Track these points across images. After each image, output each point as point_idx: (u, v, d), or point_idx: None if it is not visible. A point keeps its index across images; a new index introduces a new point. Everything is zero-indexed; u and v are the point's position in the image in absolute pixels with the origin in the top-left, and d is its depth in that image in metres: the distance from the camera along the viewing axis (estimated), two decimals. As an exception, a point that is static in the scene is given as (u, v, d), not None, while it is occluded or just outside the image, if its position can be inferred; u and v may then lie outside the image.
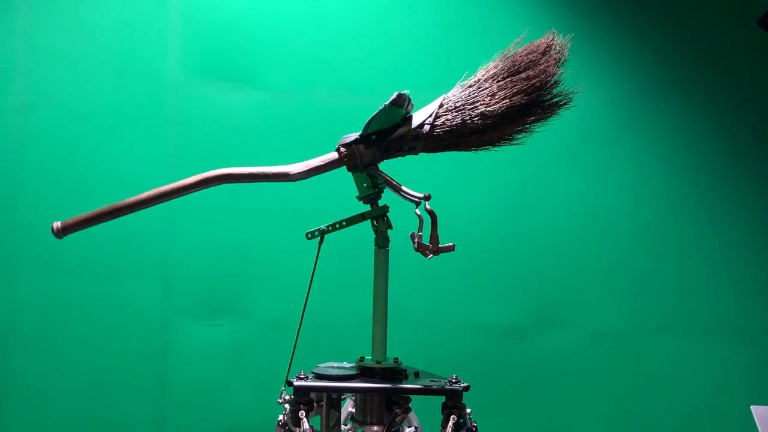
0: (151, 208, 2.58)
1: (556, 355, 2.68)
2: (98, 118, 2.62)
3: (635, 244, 2.71)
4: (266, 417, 2.44)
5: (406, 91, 1.50)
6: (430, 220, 1.46)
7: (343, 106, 2.67)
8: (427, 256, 1.46)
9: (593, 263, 2.70)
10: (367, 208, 1.58)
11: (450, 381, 1.50)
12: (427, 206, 1.47)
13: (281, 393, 1.53)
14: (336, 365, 1.57)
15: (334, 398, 1.56)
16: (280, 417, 1.56)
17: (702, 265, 2.71)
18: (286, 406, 1.52)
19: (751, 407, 1.88)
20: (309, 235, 1.58)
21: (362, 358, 1.58)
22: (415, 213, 1.48)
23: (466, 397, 1.49)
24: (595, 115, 2.73)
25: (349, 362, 1.60)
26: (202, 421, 2.61)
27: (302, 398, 1.48)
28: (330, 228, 1.58)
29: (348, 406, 1.75)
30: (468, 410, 1.51)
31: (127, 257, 2.60)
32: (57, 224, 1.63)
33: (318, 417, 1.56)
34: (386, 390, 1.49)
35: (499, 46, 1.54)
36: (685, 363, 2.68)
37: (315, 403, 1.53)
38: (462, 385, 1.48)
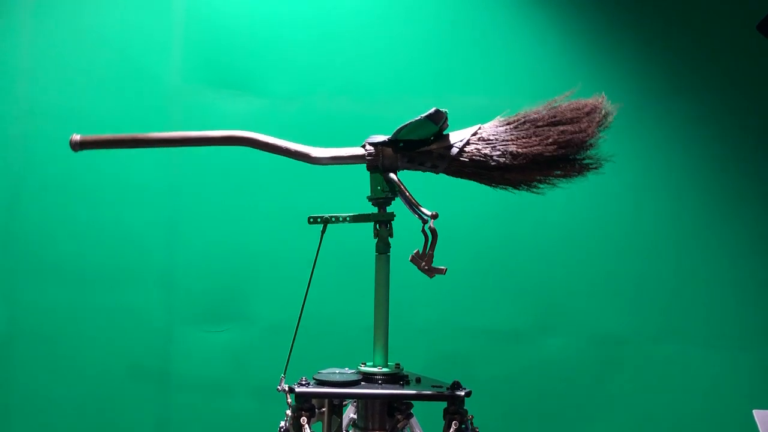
0: (153, 215, 2.61)
1: (557, 359, 2.68)
2: (101, 125, 2.63)
3: (636, 249, 2.71)
4: (269, 422, 2.44)
5: (444, 110, 1.50)
6: (431, 237, 1.47)
7: (343, 113, 2.68)
8: (430, 275, 1.46)
9: (594, 268, 2.70)
10: (375, 210, 1.58)
11: (451, 386, 1.50)
12: (431, 224, 1.47)
13: (281, 381, 1.53)
14: (337, 371, 1.57)
15: (335, 404, 1.56)
16: (282, 423, 1.56)
17: (703, 268, 2.71)
18: (288, 412, 1.52)
19: (754, 411, 1.88)
20: (311, 220, 1.59)
21: (364, 364, 1.58)
22: (422, 231, 1.48)
23: (467, 403, 1.49)
24: (596, 120, 2.73)
25: (350, 368, 1.60)
26: (205, 427, 2.61)
27: (304, 404, 1.48)
28: (333, 219, 1.58)
29: (350, 412, 1.74)
30: (470, 416, 1.51)
31: (129, 264, 2.61)
32: (76, 137, 1.61)
33: (320, 423, 1.56)
34: (388, 396, 1.49)
35: (498, 54, 1.53)
36: (687, 367, 2.68)
37: (317, 410, 1.53)
38: (463, 390, 1.49)
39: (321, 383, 1.50)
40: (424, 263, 1.45)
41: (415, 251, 1.47)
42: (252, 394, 2.61)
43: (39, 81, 2.63)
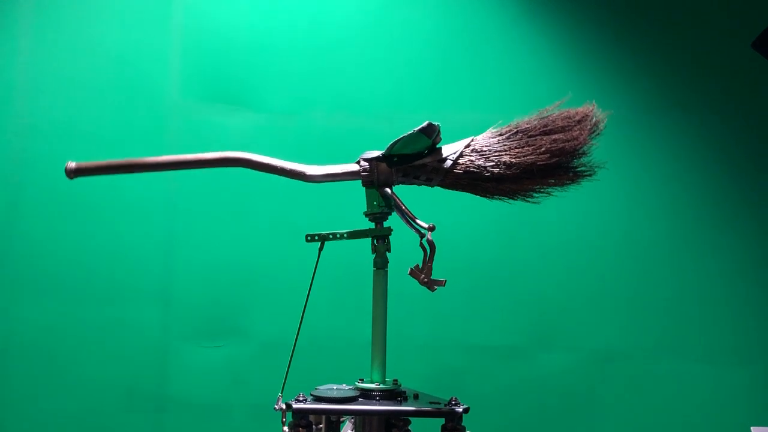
0: (150, 230, 2.61)
1: (555, 375, 2.68)
2: (99, 140, 2.64)
3: (632, 264, 2.71)
4: (265, 439, 2.43)
5: (437, 123, 1.51)
6: (429, 249, 1.47)
7: (341, 128, 2.69)
8: (426, 284, 1.46)
9: (590, 283, 2.70)
10: (372, 226, 1.58)
11: (449, 403, 1.50)
12: (429, 236, 1.47)
13: (278, 399, 1.52)
14: (335, 387, 1.57)
15: (333, 421, 1.56)
16: (279, 439, 1.56)
17: (699, 284, 2.71)
18: (285, 429, 1.51)
19: (752, 429, 1.88)
20: (308, 238, 1.59)
21: (361, 380, 1.58)
22: (420, 246, 1.48)
23: (465, 419, 1.49)
24: (592, 136, 2.74)
25: (348, 384, 1.60)
26: (200, 444, 2.60)
27: (301, 421, 1.48)
28: (331, 236, 1.58)
29: (347, 429, 1.74)
30: (467, 432, 1.51)
31: (127, 279, 2.60)
32: (72, 164, 1.62)
33: (317, 439, 1.55)
34: (385, 412, 1.48)
35: (496, 66, 1.55)
36: (684, 383, 2.67)
37: (314, 426, 1.52)
38: (461, 407, 1.48)
39: (318, 399, 1.49)
40: (423, 276, 1.45)
41: (415, 266, 1.47)
42: (249, 409, 2.60)
43: (38, 96, 2.64)
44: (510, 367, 2.67)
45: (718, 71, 2.78)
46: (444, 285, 1.45)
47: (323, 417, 1.54)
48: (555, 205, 2.72)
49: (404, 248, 1.60)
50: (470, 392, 2.57)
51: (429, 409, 1.47)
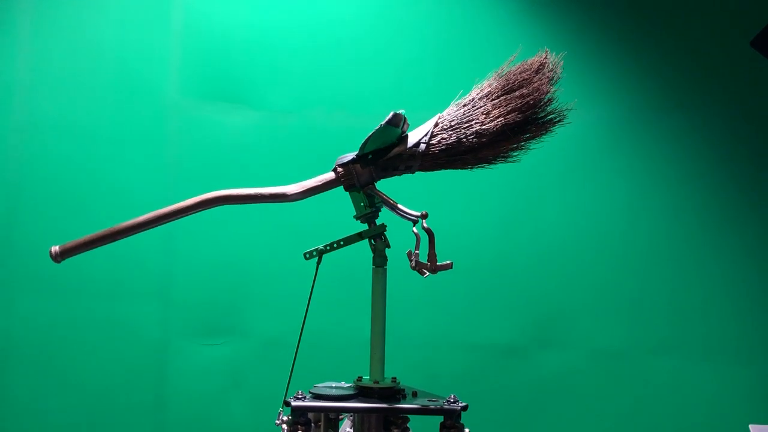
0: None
1: (554, 373, 2.68)
2: (98, 139, 2.64)
3: (632, 263, 2.71)
4: (264, 437, 2.43)
5: (401, 111, 1.52)
6: (427, 238, 1.47)
7: (340, 127, 2.69)
8: (423, 275, 1.47)
9: (591, 281, 2.70)
10: (365, 227, 1.59)
11: (448, 400, 1.50)
12: (425, 224, 1.48)
13: (279, 414, 1.53)
14: (334, 385, 1.57)
15: (331, 418, 1.56)
16: (278, 437, 1.56)
17: (700, 283, 2.71)
18: (284, 426, 1.52)
19: (750, 426, 1.88)
20: (307, 255, 1.59)
21: (360, 378, 1.58)
22: (413, 231, 1.48)
23: (464, 417, 1.49)
24: (590, 133, 2.75)
25: (347, 382, 1.60)
26: (199, 442, 2.60)
27: (300, 418, 1.48)
28: (327, 248, 1.59)
29: (346, 426, 1.74)
30: (466, 430, 1.51)
31: (126, 277, 2.61)
32: (55, 248, 1.63)
33: (316, 437, 1.55)
34: (384, 410, 1.48)
35: (496, 65, 1.57)
36: (684, 382, 2.67)
37: (313, 424, 1.53)
38: (460, 404, 1.48)
39: (317, 397, 1.50)
40: (430, 264, 1.46)
41: (407, 252, 1.46)
42: (249, 406, 2.60)
43: (37, 93, 2.64)
44: (510, 365, 2.67)
45: (718, 71, 2.77)
46: (451, 267, 1.45)
47: (322, 415, 1.54)
48: (556, 204, 2.73)
49: (400, 245, 1.60)
50: (469, 390, 2.57)
51: (428, 406, 1.47)
